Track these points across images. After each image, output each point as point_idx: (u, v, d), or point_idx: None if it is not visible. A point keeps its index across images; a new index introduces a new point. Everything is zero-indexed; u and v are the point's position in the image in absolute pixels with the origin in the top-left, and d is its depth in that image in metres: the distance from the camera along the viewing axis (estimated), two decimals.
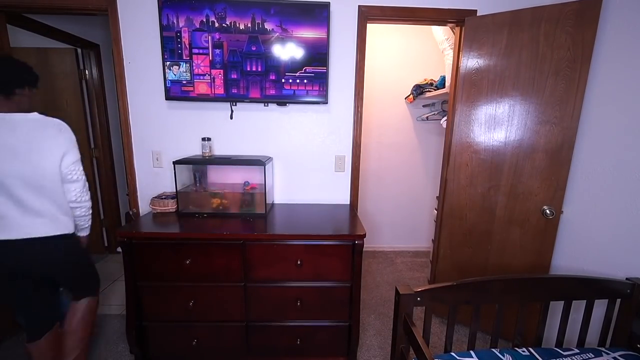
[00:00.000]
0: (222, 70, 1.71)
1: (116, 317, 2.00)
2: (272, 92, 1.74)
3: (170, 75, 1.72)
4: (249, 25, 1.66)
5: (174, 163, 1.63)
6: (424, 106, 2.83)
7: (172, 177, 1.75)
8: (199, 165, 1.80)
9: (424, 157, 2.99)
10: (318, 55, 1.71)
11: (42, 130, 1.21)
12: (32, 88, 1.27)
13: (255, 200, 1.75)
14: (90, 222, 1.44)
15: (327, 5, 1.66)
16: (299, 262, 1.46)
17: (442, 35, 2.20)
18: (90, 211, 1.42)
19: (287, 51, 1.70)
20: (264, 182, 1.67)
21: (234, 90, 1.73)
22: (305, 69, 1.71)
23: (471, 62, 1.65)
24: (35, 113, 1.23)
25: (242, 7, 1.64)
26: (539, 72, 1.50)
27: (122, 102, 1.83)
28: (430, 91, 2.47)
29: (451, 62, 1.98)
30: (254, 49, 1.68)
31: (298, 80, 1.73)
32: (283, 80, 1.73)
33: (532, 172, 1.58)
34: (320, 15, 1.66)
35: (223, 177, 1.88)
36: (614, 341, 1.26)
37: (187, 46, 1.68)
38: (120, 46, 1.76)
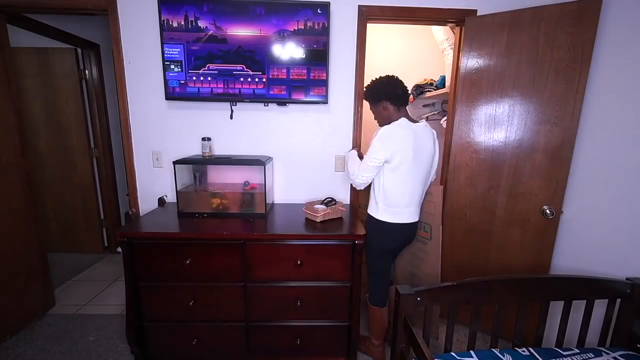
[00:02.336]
0: None
1: (116, 317, 2.00)
2: (177, 90, 1.74)
3: None
4: (182, 22, 1.65)
5: (174, 163, 1.63)
6: (424, 106, 2.83)
7: (172, 177, 1.75)
8: (199, 165, 1.80)
9: None
10: (248, 52, 1.69)
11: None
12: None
13: (255, 200, 1.75)
14: None
15: (264, 4, 1.64)
16: (299, 262, 1.45)
17: (442, 35, 2.20)
18: None
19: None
20: (264, 182, 1.67)
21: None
22: (209, 66, 1.69)
23: (471, 62, 1.65)
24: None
25: (175, 4, 1.63)
26: (539, 72, 1.50)
27: (122, 102, 1.83)
28: (430, 91, 2.47)
29: (451, 62, 1.98)
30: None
31: (202, 78, 1.72)
32: (194, 78, 1.72)
33: (532, 172, 1.58)
34: (254, 13, 1.64)
35: (223, 177, 1.88)
36: (614, 341, 1.26)
37: None
38: (120, 46, 1.76)
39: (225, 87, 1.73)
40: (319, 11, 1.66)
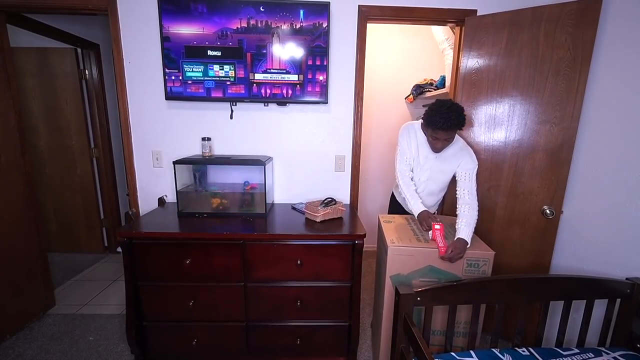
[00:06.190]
0: None
1: (116, 317, 2.00)
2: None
3: None
4: None
5: (174, 163, 1.63)
6: (424, 106, 2.82)
7: (172, 177, 1.75)
8: (199, 165, 1.80)
9: None
10: (165, 50, 1.69)
11: None
12: None
13: (255, 200, 1.75)
14: None
15: (245, 3, 1.64)
16: (299, 262, 1.46)
17: (442, 35, 2.20)
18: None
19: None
20: (264, 182, 1.67)
21: None
22: None
23: (471, 62, 1.65)
24: None
25: None
26: (539, 72, 1.50)
27: (122, 102, 1.83)
28: (430, 91, 2.47)
29: (451, 62, 1.98)
30: None
31: None
32: None
33: (532, 172, 1.58)
34: (196, 11, 1.64)
35: (223, 177, 1.88)
36: (614, 341, 1.26)
37: None
38: (120, 46, 1.76)
39: None
40: (262, 9, 1.65)
